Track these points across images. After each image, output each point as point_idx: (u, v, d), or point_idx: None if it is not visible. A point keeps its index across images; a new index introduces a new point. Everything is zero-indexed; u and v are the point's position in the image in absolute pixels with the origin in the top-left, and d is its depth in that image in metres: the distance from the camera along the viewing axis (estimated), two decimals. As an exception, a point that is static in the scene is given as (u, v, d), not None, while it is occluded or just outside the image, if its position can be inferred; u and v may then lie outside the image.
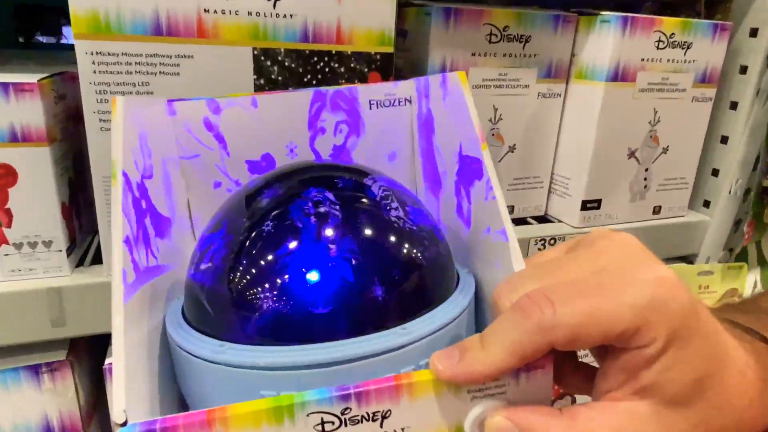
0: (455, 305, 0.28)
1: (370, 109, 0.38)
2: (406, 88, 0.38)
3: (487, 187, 0.30)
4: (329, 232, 0.27)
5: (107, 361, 0.44)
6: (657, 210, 0.61)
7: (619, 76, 0.54)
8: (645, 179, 0.59)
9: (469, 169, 0.33)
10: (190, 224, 0.37)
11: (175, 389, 0.30)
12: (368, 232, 0.28)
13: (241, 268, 0.27)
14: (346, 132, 0.38)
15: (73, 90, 0.45)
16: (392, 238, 0.28)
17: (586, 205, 0.57)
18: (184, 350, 0.27)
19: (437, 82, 0.36)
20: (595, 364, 0.27)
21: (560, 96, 0.56)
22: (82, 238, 0.47)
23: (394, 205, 0.30)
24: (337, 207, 0.28)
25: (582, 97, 0.56)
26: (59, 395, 0.44)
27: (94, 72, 0.38)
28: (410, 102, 0.38)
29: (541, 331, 0.22)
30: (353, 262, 0.26)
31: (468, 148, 0.33)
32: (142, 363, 0.26)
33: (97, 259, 0.45)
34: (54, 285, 0.41)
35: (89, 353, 0.48)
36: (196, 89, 0.40)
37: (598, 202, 0.58)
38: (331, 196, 0.28)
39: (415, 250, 0.28)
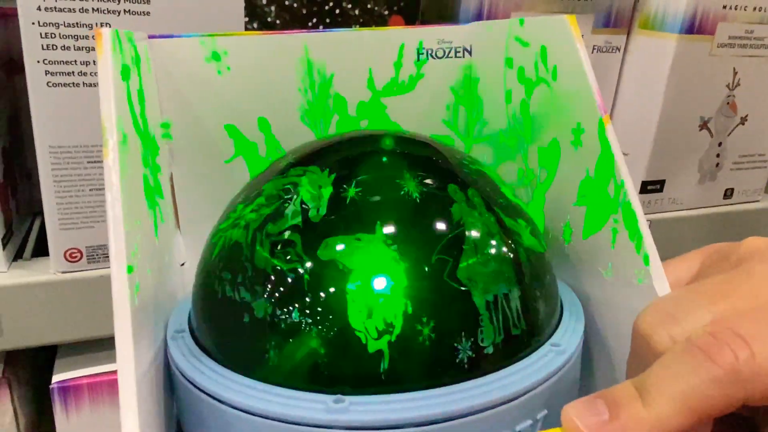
0: (570, 335, 0.22)
1: (418, 59, 0.31)
2: (467, 32, 0.31)
3: None
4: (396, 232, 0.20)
5: (55, 378, 0.37)
6: (729, 193, 0.51)
7: (695, 26, 0.43)
8: (718, 155, 0.49)
9: None
10: (174, 208, 0.30)
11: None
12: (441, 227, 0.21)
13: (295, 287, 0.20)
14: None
15: (5, 32, 0.37)
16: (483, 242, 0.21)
17: (646, 187, 0.47)
18: (212, 395, 0.20)
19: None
20: None
21: (620, 50, 0.46)
22: (20, 223, 0.38)
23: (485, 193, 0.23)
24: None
25: (647, 52, 0.46)
26: (-9, 422, 0.36)
27: (39, 8, 0.30)
28: (470, 53, 0.31)
29: (736, 382, 0.17)
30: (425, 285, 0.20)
31: None
32: (148, 409, 0.19)
33: (41, 250, 0.37)
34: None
35: (30, 369, 0.40)
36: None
37: (661, 183, 0.48)
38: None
39: (515, 257, 0.21)
